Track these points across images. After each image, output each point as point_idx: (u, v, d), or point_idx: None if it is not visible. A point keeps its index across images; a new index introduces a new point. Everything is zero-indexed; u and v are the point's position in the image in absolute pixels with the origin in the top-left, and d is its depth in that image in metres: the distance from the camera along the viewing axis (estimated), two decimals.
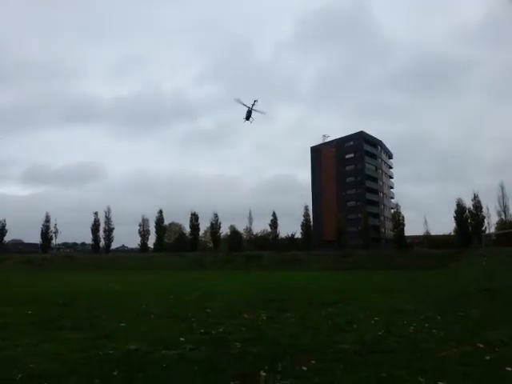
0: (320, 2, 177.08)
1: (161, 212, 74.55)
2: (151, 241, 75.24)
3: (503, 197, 57.92)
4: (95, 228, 73.24)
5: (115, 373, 5.04)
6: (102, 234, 73.30)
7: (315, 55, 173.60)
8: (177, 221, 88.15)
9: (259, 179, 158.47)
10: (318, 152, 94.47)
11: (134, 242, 78.26)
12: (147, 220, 74.12)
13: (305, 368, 5.30)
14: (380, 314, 10.37)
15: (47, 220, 71.97)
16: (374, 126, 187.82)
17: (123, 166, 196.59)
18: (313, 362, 5.61)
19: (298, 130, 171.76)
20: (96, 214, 73.41)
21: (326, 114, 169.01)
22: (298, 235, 72.68)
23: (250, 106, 14.75)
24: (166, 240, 78.06)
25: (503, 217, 56.92)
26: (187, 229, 76.60)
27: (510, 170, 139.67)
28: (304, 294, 16.19)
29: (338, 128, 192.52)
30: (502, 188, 59.09)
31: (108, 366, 5.35)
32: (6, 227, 70.04)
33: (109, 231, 73.36)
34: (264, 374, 5.04)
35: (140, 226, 73.57)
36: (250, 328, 8.36)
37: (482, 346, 6.60)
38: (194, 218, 73.38)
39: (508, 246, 42.17)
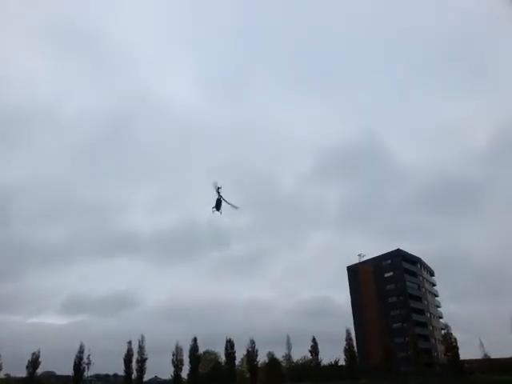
0: (334, 136, 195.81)
1: (195, 340, 71.87)
2: (185, 371, 71.27)
3: None
4: (128, 358, 70.72)
5: None
6: (134, 364, 70.43)
7: (337, 183, 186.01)
8: (212, 348, 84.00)
9: (294, 302, 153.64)
10: (355, 272, 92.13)
11: (167, 372, 74.04)
12: (181, 349, 71.34)
13: None
14: None
15: (81, 350, 70.34)
16: (407, 245, 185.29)
17: (158, 293, 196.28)
18: None
19: (330, 253, 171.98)
20: (129, 343, 71.64)
21: (355, 235, 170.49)
22: (342, 361, 67.34)
23: (220, 196, 13.83)
24: (200, 370, 73.58)
25: None
26: (222, 357, 72.62)
27: None
28: None
29: (369, 248, 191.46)
30: None
31: None
32: (40, 358, 68.81)
33: (141, 362, 70.45)
34: None
35: (173, 355, 70.62)
36: None
37: None
38: (230, 345, 70.20)
39: None
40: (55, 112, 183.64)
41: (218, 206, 14.10)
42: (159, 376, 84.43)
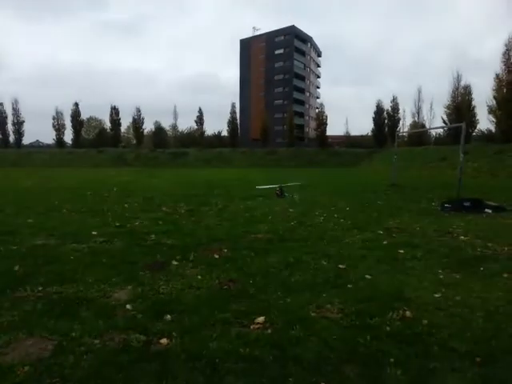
0: None
1: (77, 105, 69.11)
2: (68, 136, 70.76)
3: (419, 100, 60.90)
4: (2, 121, 66.74)
5: (16, 268, 4.77)
6: (10, 127, 67.30)
7: None
8: (96, 116, 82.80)
9: (183, 75, 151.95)
10: (247, 46, 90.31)
11: (49, 137, 73.14)
12: (62, 113, 68.72)
13: (217, 256, 5.43)
14: (295, 206, 10.88)
15: None
16: (300, 24, 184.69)
17: (31, 55, 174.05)
18: (225, 250, 5.76)
19: (221, 25, 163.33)
20: (1, 105, 66.47)
21: (249, 9, 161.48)
22: (225, 133, 72.31)
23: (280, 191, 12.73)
24: (85, 136, 73.69)
25: (416, 118, 60.34)
26: (108, 124, 72.58)
27: (417, 78, 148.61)
28: (226, 189, 16.44)
29: (263, 24, 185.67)
30: (419, 92, 61.87)
31: (9, 262, 5.04)
32: None
33: (18, 124, 67.40)
34: (176, 262, 5.08)
35: (54, 119, 68.23)
36: (167, 221, 8.34)
37: (381, 232, 7.22)
38: (115, 112, 69.30)
39: (417, 146, 45.61)
40: None
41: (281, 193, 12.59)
42: (41, 140, 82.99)
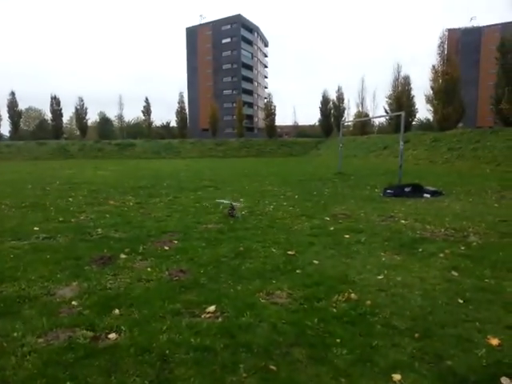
0: None
1: (13, 94, 64.76)
2: (5, 128, 66.34)
3: (362, 90, 62.94)
4: None
5: None
6: None
7: None
8: (35, 106, 78.11)
9: (128, 63, 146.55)
10: (193, 34, 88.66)
11: None
12: None
13: (167, 248, 5.37)
14: (246, 195, 10.95)
15: None
16: (246, 13, 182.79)
17: None
18: (176, 241, 5.71)
19: (168, 10, 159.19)
20: None
21: None
22: (174, 124, 70.85)
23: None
24: (24, 127, 69.23)
25: (360, 108, 62.24)
26: (48, 114, 68.74)
27: (361, 69, 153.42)
28: (175, 180, 16.19)
29: (209, 12, 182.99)
30: (363, 82, 64.09)
31: None
32: None
33: None
34: (124, 256, 4.97)
35: None
36: (115, 214, 8.10)
37: (328, 219, 7.45)
38: (55, 102, 65.67)
39: (361, 135, 47.14)
40: None
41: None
42: None
